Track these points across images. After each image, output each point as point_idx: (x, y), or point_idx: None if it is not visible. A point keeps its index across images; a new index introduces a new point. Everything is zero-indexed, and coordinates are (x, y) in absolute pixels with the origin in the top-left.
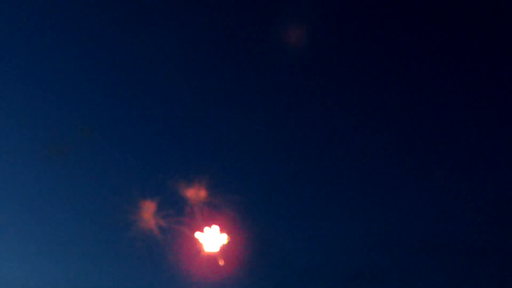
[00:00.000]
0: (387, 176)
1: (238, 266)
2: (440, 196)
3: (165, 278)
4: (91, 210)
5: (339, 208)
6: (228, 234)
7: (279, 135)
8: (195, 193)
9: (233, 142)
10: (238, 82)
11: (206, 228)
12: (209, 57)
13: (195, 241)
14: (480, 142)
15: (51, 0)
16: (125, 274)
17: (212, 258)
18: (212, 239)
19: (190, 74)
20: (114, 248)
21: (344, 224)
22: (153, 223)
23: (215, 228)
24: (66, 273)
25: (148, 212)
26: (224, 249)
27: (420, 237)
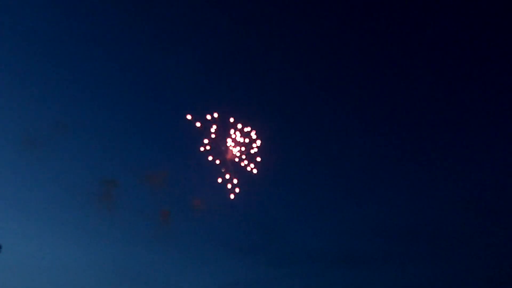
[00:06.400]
0: (378, 173)
1: None
2: (423, 190)
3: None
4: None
5: (333, 201)
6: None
7: (278, 132)
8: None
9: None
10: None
11: None
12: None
13: None
14: (462, 143)
15: None
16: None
17: None
18: None
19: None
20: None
21: (338, 215)
22: None
23: None
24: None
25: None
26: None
27: (406, 226)
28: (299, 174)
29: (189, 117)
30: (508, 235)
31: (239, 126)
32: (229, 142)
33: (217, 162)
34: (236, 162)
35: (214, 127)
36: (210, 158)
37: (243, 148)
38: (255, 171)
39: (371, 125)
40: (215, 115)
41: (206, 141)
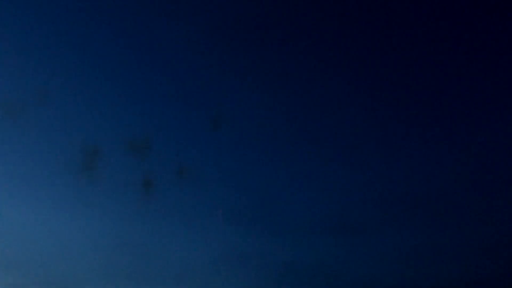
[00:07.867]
0: (372, 141)
1: None
2: (419, 158)
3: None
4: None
5: (328, 169)
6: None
7: (273, 101)
8: None
9: (229, 116)
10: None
11: None
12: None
13: None
14: (461, 109)
15: None
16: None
17: None
18: None
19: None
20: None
21: (334, 183)
22: None
23: None
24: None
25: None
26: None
27: (401, 194)
28: (294, 141)
29: None
30: (505, 204)
31: None
32: None
33: None
34: None
35: None
36: None
37: None
38: None
39: (366, 91)
40: None
41: None
